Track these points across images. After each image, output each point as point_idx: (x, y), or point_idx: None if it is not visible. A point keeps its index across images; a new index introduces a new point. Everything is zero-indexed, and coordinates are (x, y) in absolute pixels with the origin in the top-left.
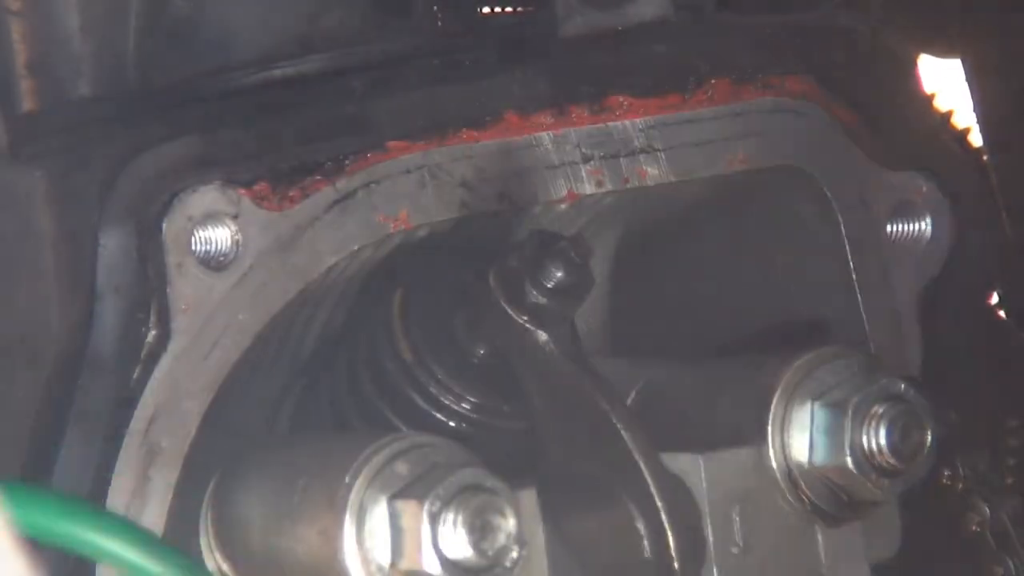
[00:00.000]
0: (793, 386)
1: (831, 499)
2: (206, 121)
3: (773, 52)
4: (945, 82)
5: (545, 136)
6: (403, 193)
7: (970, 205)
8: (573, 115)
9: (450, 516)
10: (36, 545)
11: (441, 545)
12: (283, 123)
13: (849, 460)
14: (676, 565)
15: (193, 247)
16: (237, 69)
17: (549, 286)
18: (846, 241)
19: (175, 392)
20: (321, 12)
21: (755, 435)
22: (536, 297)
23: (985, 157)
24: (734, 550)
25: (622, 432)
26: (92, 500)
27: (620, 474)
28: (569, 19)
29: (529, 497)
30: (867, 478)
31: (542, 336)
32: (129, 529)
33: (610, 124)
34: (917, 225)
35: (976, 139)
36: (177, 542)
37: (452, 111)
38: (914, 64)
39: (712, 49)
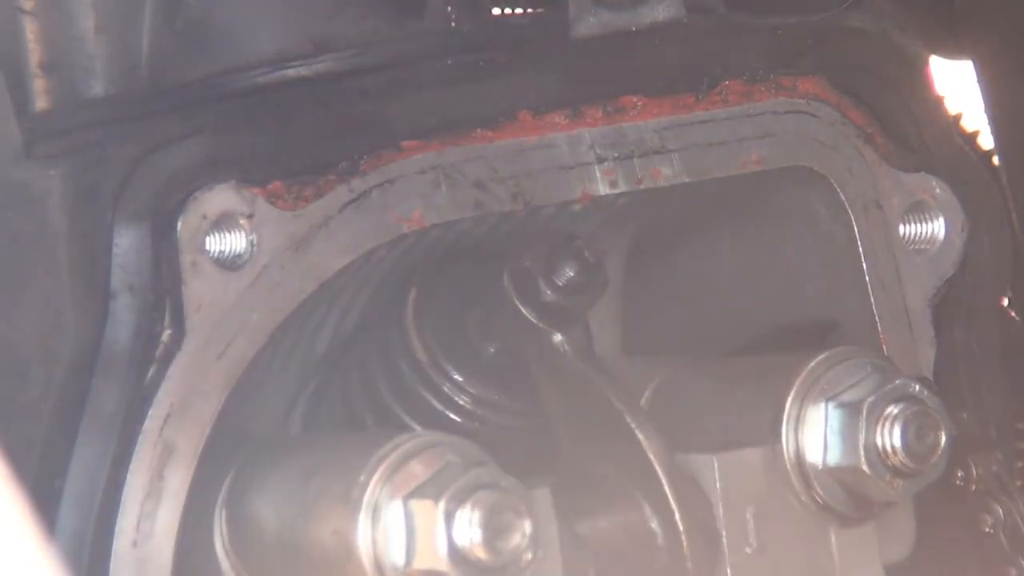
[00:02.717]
0: (807, 387)
1: (845, 500)
2: (220, 121)
3: (785, 53)
4: (956, 83)
5: (559, 136)
6: (417, 193)
7: (982, 207)
8: (587, 116)
9: (464, 515)
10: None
11: (455, 544)
12: (297, 123)
13: (863, 461)
14: (690, 565)
15: (207, 246)
16: (251, 68)
17: (562, 286)
18: (859, 242)
19: (189, 391)
20: (335, 12)
21: (769, 435)
22: (550, 297)
23: (996, 159)
24: (748, 550)
25: (636, 432)
26: (106, 499)
27: (634, 474)
28: (582, 20)
29: (543, 496)
30: (881, 479)
31: (556, 336)
32: None
33: (624, 125)
34: (929, 226)
35: (987, 140)
36: (191, 542)
37: (466, 111)
38: (925, 65)
39: (725, 50)
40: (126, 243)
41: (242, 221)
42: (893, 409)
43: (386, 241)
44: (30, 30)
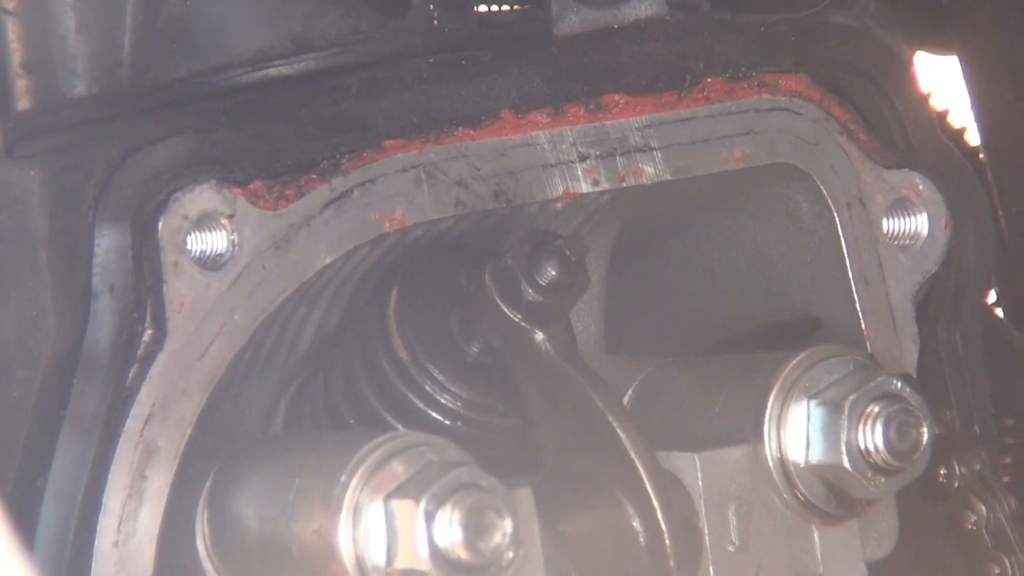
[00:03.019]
0: (789, 384)
1: (827, 497)
2: (202, 120)
3: (768, 50)
4: (941, 80)
5: (541, 135)
6: (399, 192)
7: (966, 203)
8: (569, 114)
9: (446, 515)
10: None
11: (436, 544)
12: (279, 122)
13: (845, 458)
14: (672, 564)
15: (189, 246)
16: (233, 68)
17: (544, 284)
18: (842, 239)
19: (171, 391)
20: (317, 11)
21: (751, 433)
22: (531, 295)
23: (981, 155)
24: (730, 548)
25: (618, 431)
26: (88, 500)
27: (616, 473)
28: (565, 18)
29: (525, 496)
30: (863, 476)
31: (537, 335)
32: None
33: (606, 123)
34: (913, 223)
35: (972, 137)
36: (172, 542)
37: (448, 110)
38: (910, 62)
39: (707, 48)
40: (107, 243)
41: (223, 221)
42: (875, 407)
43: (368, 240)
44: (12, 30)
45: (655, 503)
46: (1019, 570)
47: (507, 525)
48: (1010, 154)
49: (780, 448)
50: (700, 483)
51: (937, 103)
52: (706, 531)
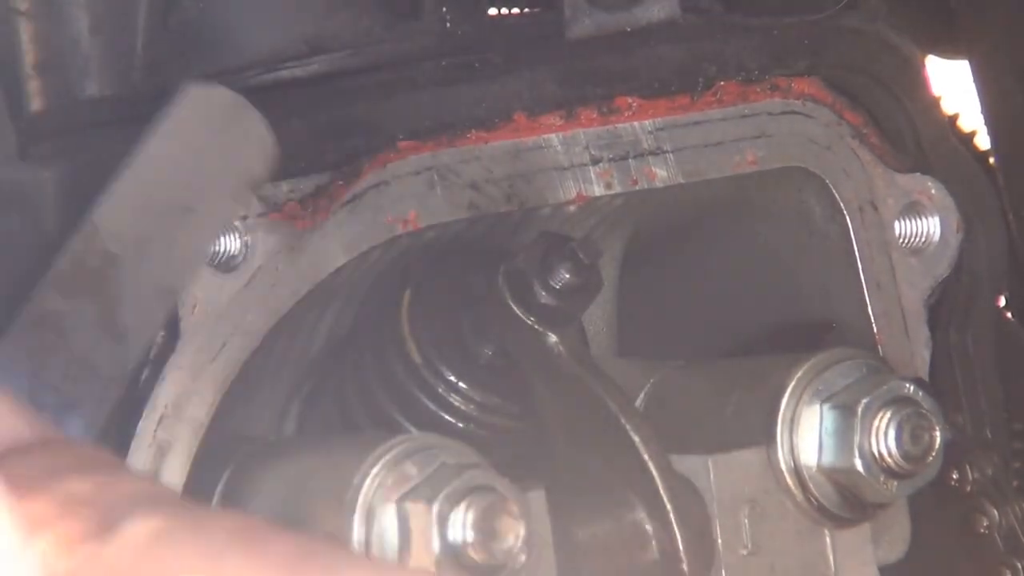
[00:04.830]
0: (802, 388)
1: (839, 501)
2: None
3: (781, 53)
4: (953, 83)
5: (554, 137)
6: (412, 194)
7: (977, 207)
8: (582, 117)
9: (459, 517)
10: None
11: (449, 546)
12: (291, 124)
13: (858, 462)
14: (685, 567)
15: None
16: (245, 70)
17: (557, 287)
18: (854, 243)
19: (183, 393)
20: (330, 12)
21: (764, 437)
22: (544, 298)
23: (992, 159)
24: (743, 552)
25: (631, 434)
26: None
27: (629, 476)
28: (577, 21)
29: (538, 499)
30: (876, 480)
31: (550, 337)
32: None
33: (619, 126)
34: (925, 227)
35: (983, 140)
36: None
37: (461, 112)
38: (922, 65)
39: (720, 51)
40: None
41: (236, 223)
42: (888, 410)
43: (381, 242)
44: (25, 31)
45: (668, 506)
46: None
47: (520, 528)
48: (1021, 157)
49: (793, 451)
50: (713, 486)
51: (948, 107)
52: (719, 534)
